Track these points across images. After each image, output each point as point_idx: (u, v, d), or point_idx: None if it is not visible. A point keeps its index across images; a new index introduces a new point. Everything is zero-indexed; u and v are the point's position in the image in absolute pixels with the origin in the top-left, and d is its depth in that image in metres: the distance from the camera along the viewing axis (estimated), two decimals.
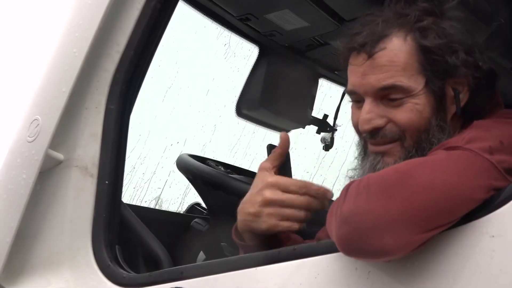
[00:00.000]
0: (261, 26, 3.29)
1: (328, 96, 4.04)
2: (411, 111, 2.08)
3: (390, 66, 2.08)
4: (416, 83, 2.07)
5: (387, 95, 2.09)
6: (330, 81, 3.85)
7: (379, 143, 2.14)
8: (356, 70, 2.15)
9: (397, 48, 2.08)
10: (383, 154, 2.14)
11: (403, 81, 2.06)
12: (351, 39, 2.17)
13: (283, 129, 3.74)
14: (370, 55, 2.10)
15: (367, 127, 2.12)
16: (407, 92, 2.07)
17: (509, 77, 3.22)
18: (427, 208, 1.69)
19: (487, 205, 1.71)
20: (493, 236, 1.67)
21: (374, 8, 2.20)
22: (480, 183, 1.73)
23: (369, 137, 2.15)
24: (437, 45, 2.06)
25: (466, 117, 2.13)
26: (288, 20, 3.17)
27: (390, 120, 2.10)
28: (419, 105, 2.07)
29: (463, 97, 2.12)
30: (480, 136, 1.87)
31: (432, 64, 2.07)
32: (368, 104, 2.12)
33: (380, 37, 2.10)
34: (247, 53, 4.00)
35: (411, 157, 2.02)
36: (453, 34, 2.08)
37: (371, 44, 2.10)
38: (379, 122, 2.11)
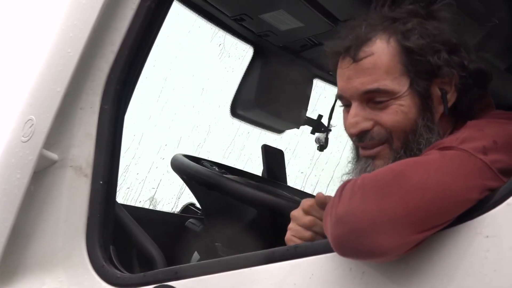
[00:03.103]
0: (255, 26, 3.29)
1: (322, 97, 4.04)
2: (396, 113, 2.09)
3: (374, 69, 2.10)
4: (400, 85, 2.08)
5: (373, 98, 2.11)
6: (325, 81, 3.85)
7: (368, 147, 2.16)
8: (342, 75, 2.18)
9: (380, 51, 2.10)
10: (373, 157, 2.16)
11: (387, 84, 2.08)
12: (336, 44, 2.19)
13: (278, 130, 3.74)
14: (354, 59, 2.12)
15: (354, 130, 2.15)
16: (391, 95, 2.09)
17: (504, 78, 3.23)
18: (422, 209, 1.69)
19: (482, 205, 1.72)
20: (487, 236, 1.67)
21: (366, 9, 2.21)
22: (474, 184, 1.74)
23: (358, 141, 2.18)
24: (419, 45, 2.07)
25: (458, 117, 2.14)
26: (282, 21, 3.17)
27: (376, 123, 2.12)
28: (404, 107, 2.09)
29: (451, 97, 2.13)
30: (474, 136, 1.87)
31: (415, 64, 2.08)
32: (354, 108, 2.14)
33: (363, 41, 2.12)
34: (241, 53, 4.00)
35: (399, 158, 2.04)
36: (436, 35, 2.09)
37: (355, 48, 2.12)
38: (365, 125, 2.13)
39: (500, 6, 2.74)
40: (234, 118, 3.54)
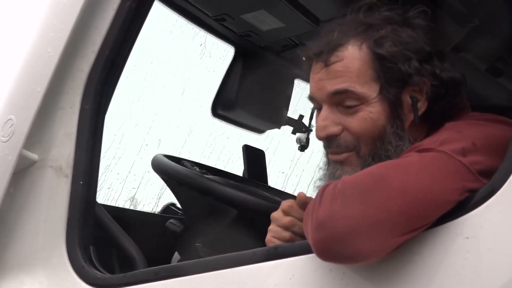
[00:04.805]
0: (237, 26, 3.29)
1: (303, 97, 4.04)
2: (365, 119, 2.10)
3: (345, 72, 2.11)
4: (370, 90, 2.10)
5: (342, 102, 2.12)
6: (306, 81, 3.85)
7: (336, 152, 2.17)
8: (313, 78, 2.19)
9: (351, 56, 2.11)
10: (341, 163, 2.16)
11: (357, 87, 2.09)
12: (310, 49, 2.21)
13: (259, 130, 3.74)
14: (326, 64, 2.13)
15: (322, 134, 2.16)
16: (361, 99, 2.10)
17: (484, 79, 3.24)
18: (403, 212, 1.69)
19: (462, 206, 1.72)
20: (467, 238, 1.68)
21: (347, 10, 2.22)
22: (454, 185, 1.74)
23: (326, 145, 2.20)
24: (391, 52, 2.08)
25: (430, 124, 2.14)
26: (264, 21, 3.17)
27: (345, 128, 2.13)
28: (373, 113, 2.10)
29: (422, 105, 2.13)
30: (453, 138, 1.88)
31: (387, 71, 2.09)
32: (324, 111, 2.16)
33: (335, 46, 2.13)
34: (223, 53, 4.00)
35: (368, 165, 2.03)
36: (409, 42, 2.09)
37: (327, 53, 2.13)
38: (333, 129, 2.14)
39: (481, 7, 2.75)
40: (215, 118, 3.54)
